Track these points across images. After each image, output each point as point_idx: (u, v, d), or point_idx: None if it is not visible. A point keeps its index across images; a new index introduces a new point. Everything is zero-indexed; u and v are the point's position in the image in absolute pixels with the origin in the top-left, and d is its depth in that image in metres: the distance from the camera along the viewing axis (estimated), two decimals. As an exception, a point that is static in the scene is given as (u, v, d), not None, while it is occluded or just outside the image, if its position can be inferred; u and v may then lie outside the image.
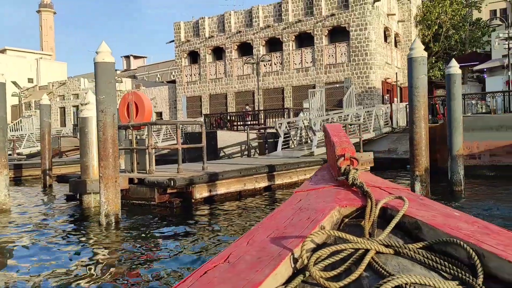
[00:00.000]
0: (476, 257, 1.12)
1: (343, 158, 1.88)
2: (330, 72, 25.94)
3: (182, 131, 18.05)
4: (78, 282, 4.34)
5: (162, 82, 44.17)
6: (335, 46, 25.84)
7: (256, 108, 26.24)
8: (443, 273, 1.15)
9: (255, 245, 1.28)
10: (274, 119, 21.25)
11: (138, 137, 13.20)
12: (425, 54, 7.61)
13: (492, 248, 1.14)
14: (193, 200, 8.43)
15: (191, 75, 31.60)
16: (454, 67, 9.40)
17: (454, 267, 1.14)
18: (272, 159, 13.29)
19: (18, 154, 26.13)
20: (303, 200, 1.78)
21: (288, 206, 1.71)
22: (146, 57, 64.11)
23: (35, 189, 13.21)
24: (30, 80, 47.06)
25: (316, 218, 1.43)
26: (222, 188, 9.06)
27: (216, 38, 30.11)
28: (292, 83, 27.26)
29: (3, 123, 8.68)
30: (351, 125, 16.21)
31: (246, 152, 17.46)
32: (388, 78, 25.71)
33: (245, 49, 29.33)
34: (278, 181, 10.93)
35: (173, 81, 36.78)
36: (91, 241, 6.12)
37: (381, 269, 1.14)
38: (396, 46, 28.42)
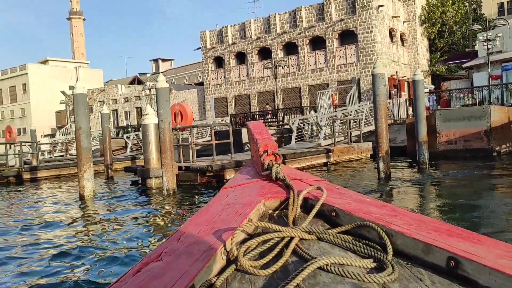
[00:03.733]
0: (385, 237, 1.24)
1: (266, 153, 2.00)
2: (342, 72, 28.85)
3: (212, 130, 21.43)
4: (158, 223, 7.73)
5: (191, 84, 47.74)
6: (345, 48, 28.74)
7: (276, 107, 29.49)
8: (359, 253, 1.26)
9: (186, 241, 1.32)
10: (292, 116, 24.44)
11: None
12: (384, 71, 10.65)
13: (399, 228, 1.26)
14: (224, 181, 11.73)
15: (217, 78, 35.07)
16: (418, 75, 12.37)
17: (368, 247, 1.25)
18: (286, 150, 16.50)
19: (70, 154, 29.87)
20: (230, 195, 1.85)
21: (216, 202, 1.77)
22: (173, 60, 67.55)
23: (100, 180, 16.84)
24: (71, 88, 51.57)
25: (244, 212, 1.50)
26: (245, 172, 12.38)
27: (238, 44, 33.42)
28: (308, 82, 30.31)
29: (87, 129, 12.19)
30: (353, 120, 19.22)
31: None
32: (394, 75, 28.40)
33: (264, 53, 32.54)
34: (289, 166, 14.13)
35: (201, 83, 40.18)
36: (159, 204, 9.55)
37: (305, 254, 1.23)
38: (403, 44, 31.02)
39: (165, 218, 8.05)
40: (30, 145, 24.26)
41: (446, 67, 30.55)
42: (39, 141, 25.69)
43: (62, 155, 29.02)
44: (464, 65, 22.36)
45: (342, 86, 26.65)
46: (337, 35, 28.93)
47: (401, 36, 30.81)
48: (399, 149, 19.68)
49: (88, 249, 5.80)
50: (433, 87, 29.10)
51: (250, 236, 1.39)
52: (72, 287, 4.31)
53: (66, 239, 6.63)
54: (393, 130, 22.29)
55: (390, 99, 25.52)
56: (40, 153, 24.67)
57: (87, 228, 7.48)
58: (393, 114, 23.02)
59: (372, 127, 21.12)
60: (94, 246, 6.00)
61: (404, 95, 28.00)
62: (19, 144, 21.05)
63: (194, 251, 1.23)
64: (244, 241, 1.33)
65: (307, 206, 1.62)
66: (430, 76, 32.24)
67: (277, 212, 1.66)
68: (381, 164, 10.49)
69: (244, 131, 21.81)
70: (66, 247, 6.05)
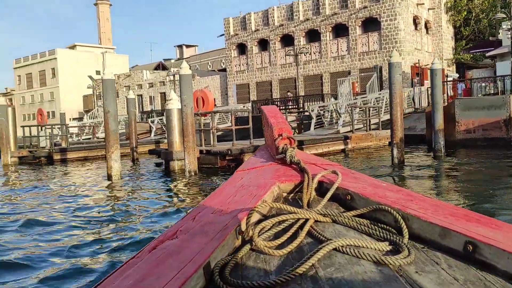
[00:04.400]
0: (401, 220, 1.25)
1: (280, 137, 2.01)
2: (364, 59, 28.84)
3: (234, 115, 21.92)
4: (178, 202, 8.30)
5: (214, 70, 48.26)
6: (368, 36, 28.67)
7: (297, 94, 29.77)
8: (374, 236, 1.27)
9: (201, 221, 1.33)
10: (313, 103, 24.71)
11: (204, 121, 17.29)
12: (400, 60, 10.87)
13: (415, 212, 1.27)
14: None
15: (239, 65, 35.48)
16: (436, 64, 12.52)
17: (384, 231, 1.26)
18: (304, 136, 16.89)
19: (97, 137, 30.88)
20: (245, 178, 1.86)
21: (230, 184, 1.79)
22: (197, 46, 68.00)
23: (126, 162, 17.62)
24: (98, 72, 52.85)
25: (258, 194, 1.53)
26: (263, 156, 12.89)
27: (261, 31, 33.67)
28: (330, 69, 30.41)
29: (114, 112, 12.85)
30: (373, 108, 19.40)
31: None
32: (417, 63, 28.22)
33: (287, 40, 32.72)
34: (306, 152, 14.54)
35: (224, 69, 40.64)
36: (182, 184, 10.15)
37: (319, 236, 1.24)
38: (427, 32, 30.70)
39: (185, 198, 8.63)
40: (59, 127, 25.31)
41: (471, 55, 30.12)
42: (67, 124, 26.72)
43: (89, 138, 30.13)
44: (487, 54, 22.12)
45: (363, 74, 26.70)
46: (360, 22, 28.86)
47: (425, 24, 30.48)
48: (418, 137, 19.79)
49: (111, 224, 6.40)
50: (458, 75, 28.79)
51: (265, 217, 1.40)
52: (91, 256, 4.84)
53: (94, 213, 7.27)
54: (414, 118, 22.36)
55: (412, 87, 25.47)
56: (68, 135, 25.72)
57: (113, 205, 8.11)
58: (415, 102, 23.02)
59: (392, 115, 21.30)
60: (118, 221, 6.60)
61: (427, 83, 27.80)
62: (50, 126, 22.10)
63: (209, 230, 1.24)
64: (258, 222, 1.33)
65: (321, 189, 1.64)
66: (454, 64, 31.84)
67: (291, 195, 1.69)
68: (395, 151, 10.80)
69: (264, 117, 22.21)
70: (93, 220, 6.68)
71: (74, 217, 6.96)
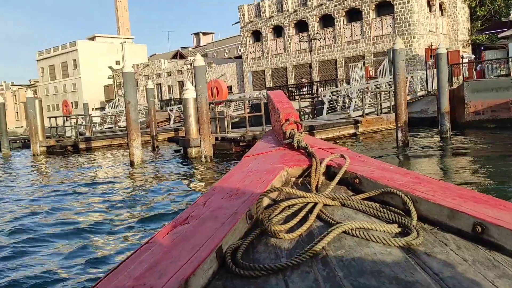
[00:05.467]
0: (410, 202, 1.27)
1: (287, 122, 2.04)
2: (378, 43, 29.00)
3: (249, 103, 22.57)
4: (194, 186, 9.09)
5: (230, 58, 48.82)
6: (381, 19, 28.77)
7: (312, 79, 30.20)
8: (382, 219, 1.28)
9: (211, 206, 1.35)
10: (326, 88, 25.20)
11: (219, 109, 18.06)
12: (403, 46, 11.32)
13: (423, 194, 1.29)
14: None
15: (255, 52, 36.00)
16: (441, 48, 12.92)
17: (392, 213, 1.28)
18: (316, 121, 17.49)
19: (119, 126, 31.86)
20: (253, 163, 1.89)
21: (239, 170, 1.82)
22: (213, 33, 68.38)
23: (147, 149, 18.56)
24: (118, 63, 54.03)
25: (267, 179, 1.55)
26: (275, 141, 13.61)
27: (275, 17, 34.03)
28: (344, 54, 30.68)
29: (135, 103, 13.69)
30: (385, 92, 19.79)
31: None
32: (432, 45, 28.24)
33: (301, 26, 33.02)
34: (317, 137, 15.15)
35: (240, 56, 41.21)
36: (199, 168, 10.95)
37: (329, 219, 1.25)
38: (442, 14, 30.57)
39: (201, 181, 9.41)
40: (83, 117, 26.47)
41: (487, 36, 29.92)
42: (91, 114, 27.87)
43: (111, 127, 31.31)
44: (500, 35, 22.12)
45: (376, 58, 26.93)
46: (374, 6, 28.95)
47: (440, 5, 30.34)
48: (430, 119, 20.12)
49: (133, 205, 7.21)
50: (474, 56, 28.70)
51: (274, 202, 1.42)
52: (109, 232, 5.46)
53: (118, 196, 8.12)
54: (426, 101, 22.60)
55: (426, 69, 25.60)
56: (92, 125, 26.87)
57: (135, 188, 8.95)
58: (427, 85, 23.26)
59: (404, 99, 21.62)
60: (139, 203, 7.41)
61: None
62: (74, 117, 23.23)
63: (219, 215, 1.26)
64: (268, 207, 1.36)
65: (329, 173, 1.66)
66: (470, 45, 31.66)
67: (300, 179, 1.71)
68: (399, 133, 11.36)
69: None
70: (117, 201, 7.52)
71: (100, 200, 7.81)
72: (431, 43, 27.66)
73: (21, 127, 57.19)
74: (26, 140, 25.39)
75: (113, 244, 4.99)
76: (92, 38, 58.44)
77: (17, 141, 28.18)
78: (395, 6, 27.85)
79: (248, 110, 16.34)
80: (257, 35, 36.00)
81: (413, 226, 1.19)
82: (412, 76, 22.51)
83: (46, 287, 3.74)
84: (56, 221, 6.15)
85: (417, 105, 21.98)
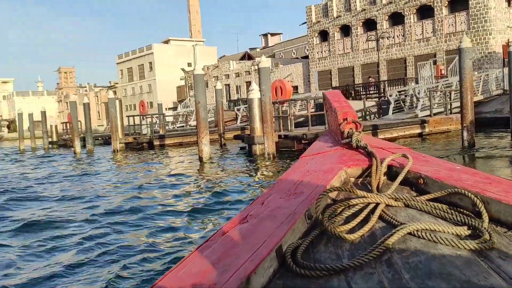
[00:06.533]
0: (480, 204, 1.19)
1: (345, 122, 1.99)
2: (450, 41, 27.91)
3: (314, 102, 22.83)
4: (256, 181, 9.65)
5: (297, 58, 49.14)
6: (455, 16, 27.65)
7: (379, 79, 29.75)
8: (450, 220, 1.21)
9: (270, 206, 1.34)
10: (394, 87, 24.78)
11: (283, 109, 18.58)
12: (470, 45, 11.06)
13: (494, 195, 1.21)
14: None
15: (321, 52, 36.07)
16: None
17: (461, 214, 1.20)
18: (381, 121, 17.40)
19: (190, 125, 33.39)
20: (310, 163, 1.85)
21: (296, 170, 1.78)
22: (281, 34, 68.99)
23: (215, 147, 19.54)
24: (189, 65, 56.45)
25: (326, 178, 1.51)
26: (337, 140, 13.88)
27: (343, 17, 33.88)
28: (414, 53, 29.85)
29: (204, 103, 14.57)
30: (455, 91, 19.14)
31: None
32: (510, 42, 26.66)
33: (369, 24, 32.58)
34: (380, 136, 15.12)
35: (307, 57, 41.44)
36: (262, 165, 11.53)
37: (392, 220, 1.20)
38: (523, 7, 28.70)
39: (263, 177, 9.96)
40: (157, 116, 28.25)
41: None
42: (164, 114, 29.64)
43: (183, 126, 33.05)
44: None
45: (448, 56, 25.96)
46: (447, 2, 27.89)
47: (521, -1, 28.52)
48: (505, 120, 19.11)
49: (202, 198, 7.90)
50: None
51: (334, 202, 1.39)
52: (178, 218, 6.28)
53: (188, 188, 8.89)
54: (502, 100, 21.45)
55: (503, 67, 24.25)
56: (165, 124, 28.60)
57: (204, 182, 9.69)
58: (504, 84, 22.06)
59: (477, 98, 20.65)
60: (207, 194, 8.10)
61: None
62: (150, 116, 24.95)
63: (278, 215, 1.24)
64: (328, 207, 1.33)
65: (391, 173, 1.60)
66: (556, 40, 29.40)
67: (359, 179, 1.66)
68: (465, 133, 11.15)
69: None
70: (187, 194, 8.27)
71: (168, 192, 8.63)
72: (508, 39, 26.16)
73: (102, 125, 61.61)
74: (107, 137, 27.60)
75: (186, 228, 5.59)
76: (167, 41, 61.53)
77: (99, 138, 30.71)
78: (470, 2, 26.65)
79: (313, 110, 16.76)
80: (324, 35, 36.04)
81: (484, 228, 1.13)
82: (487, 75, 21.52)
83: (126, 268, 4.33)
84: (132, 207, 6.90)
85: (491, 104, 20.98)
